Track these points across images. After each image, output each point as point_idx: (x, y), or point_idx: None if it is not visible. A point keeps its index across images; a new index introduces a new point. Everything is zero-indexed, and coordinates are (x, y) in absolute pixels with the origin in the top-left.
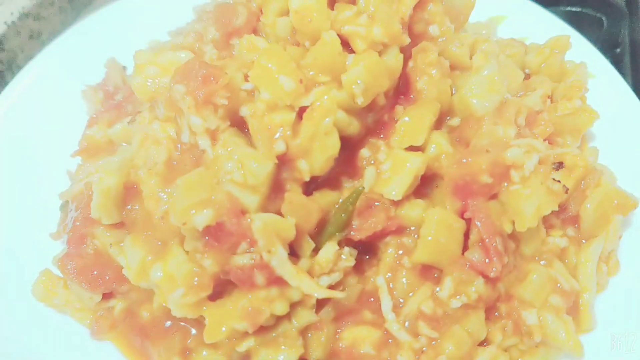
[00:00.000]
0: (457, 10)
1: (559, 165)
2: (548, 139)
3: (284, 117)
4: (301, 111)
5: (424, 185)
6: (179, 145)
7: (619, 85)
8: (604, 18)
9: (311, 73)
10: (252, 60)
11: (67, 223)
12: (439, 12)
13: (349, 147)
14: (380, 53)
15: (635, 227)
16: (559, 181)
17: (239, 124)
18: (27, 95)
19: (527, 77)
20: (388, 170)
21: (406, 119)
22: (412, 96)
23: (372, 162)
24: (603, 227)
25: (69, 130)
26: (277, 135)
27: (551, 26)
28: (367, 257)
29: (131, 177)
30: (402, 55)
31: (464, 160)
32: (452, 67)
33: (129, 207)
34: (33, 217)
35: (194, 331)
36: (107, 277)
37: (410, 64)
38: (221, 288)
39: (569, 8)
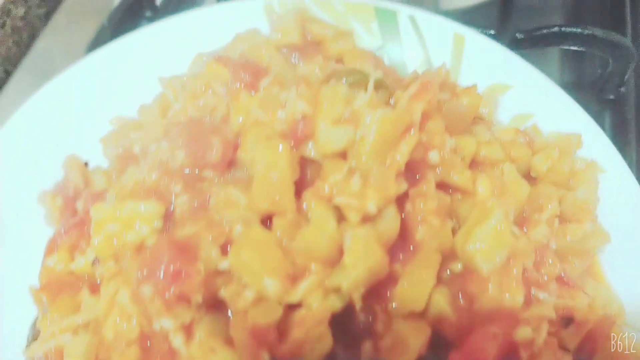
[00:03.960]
0: (458, 115)
1: (568, 322)
2: None
3: (269, 315)
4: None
5: None
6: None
7: (631, 185)
8: (610, 59)
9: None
10: (230, 222)
11: None
12: (439, 130)
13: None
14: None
15: None
16: (568, 350)
17: (217, 303)
18: None
19: (533, 180)
20: (388, 348)
21: (405, 283)
22: (410, 247)
23: (370, 333)
24: None
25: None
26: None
27: (559, 104)
28: None
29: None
30: (398, 215)
31: (473, 345)
32: (453, 190)
33: None
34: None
35: None
36: None
37: (407, 206)
38: None
39: (573, 47)
